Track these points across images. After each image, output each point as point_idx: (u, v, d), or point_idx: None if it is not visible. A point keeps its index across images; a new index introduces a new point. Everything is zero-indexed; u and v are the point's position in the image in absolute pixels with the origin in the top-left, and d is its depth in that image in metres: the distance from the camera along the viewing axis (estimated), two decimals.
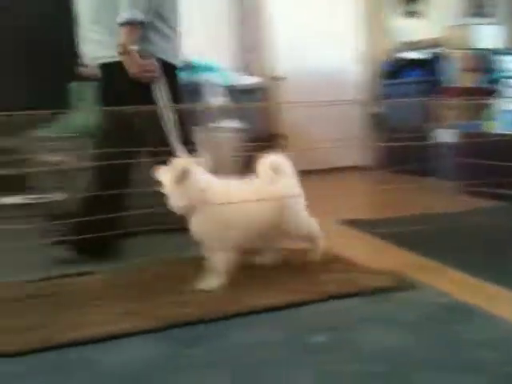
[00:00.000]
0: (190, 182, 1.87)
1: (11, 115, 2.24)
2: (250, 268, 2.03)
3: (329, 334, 1.51)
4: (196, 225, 1.90)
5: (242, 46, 4.83)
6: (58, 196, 2.74)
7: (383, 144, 4.42)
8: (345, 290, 1.83)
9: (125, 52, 2.09)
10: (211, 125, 3.45)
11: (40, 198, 2.82)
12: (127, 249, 2.43)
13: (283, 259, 2.16)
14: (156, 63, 2.15)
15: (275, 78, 4.73)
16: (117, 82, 2.21)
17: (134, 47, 2.09)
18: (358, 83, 5.16)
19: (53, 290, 1.94)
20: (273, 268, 2.08)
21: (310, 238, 2.14)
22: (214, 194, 1.89)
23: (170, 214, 1.90)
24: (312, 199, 2.10)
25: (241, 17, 4.85)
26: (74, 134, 2.75)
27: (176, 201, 1.88)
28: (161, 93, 2.17)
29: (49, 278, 2.06)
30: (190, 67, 4.14)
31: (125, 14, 2.07)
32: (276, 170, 2.02)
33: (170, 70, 2.24)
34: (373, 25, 5.15)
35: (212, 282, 1.89)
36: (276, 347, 1.47)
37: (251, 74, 4.56)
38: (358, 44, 5.19)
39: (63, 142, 2.72)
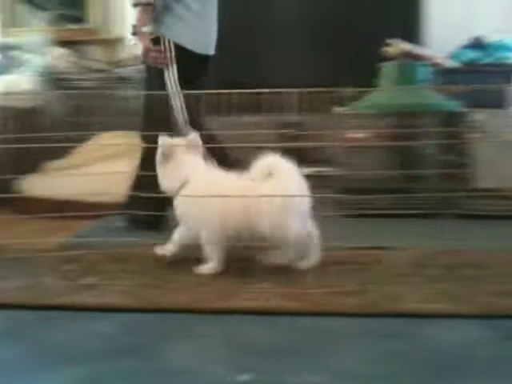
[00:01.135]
0: (173, 163, 1.91)
1: (320, 92, 2.41)
2: None
3: None
4: (176, 205, 1.94)
5: None
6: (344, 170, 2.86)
7: None
8: None
9: (137, 33, 2.14)
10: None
11: (329, 171, 2.98)
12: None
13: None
14: (169, 47, 2.16)
15: None
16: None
17: (145, 29, 2.13)
18: None
19: (363, 260, 2.05)
20: None
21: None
22: (194, 178, 1.91)
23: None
24: None
25: None
26: (375, 112, 2.84)
27: (162, 181, 1.95)
28: (171, 77, 2.17)
29: (355, 248, 2.16)
30: (485, 46, 3.91)
31: None
32: (270, 171, 1.84)
33: (185, 55, 2.20)
34: None
35: None
36: None
37: None
38: None
39: (364, 120, 2.83)
